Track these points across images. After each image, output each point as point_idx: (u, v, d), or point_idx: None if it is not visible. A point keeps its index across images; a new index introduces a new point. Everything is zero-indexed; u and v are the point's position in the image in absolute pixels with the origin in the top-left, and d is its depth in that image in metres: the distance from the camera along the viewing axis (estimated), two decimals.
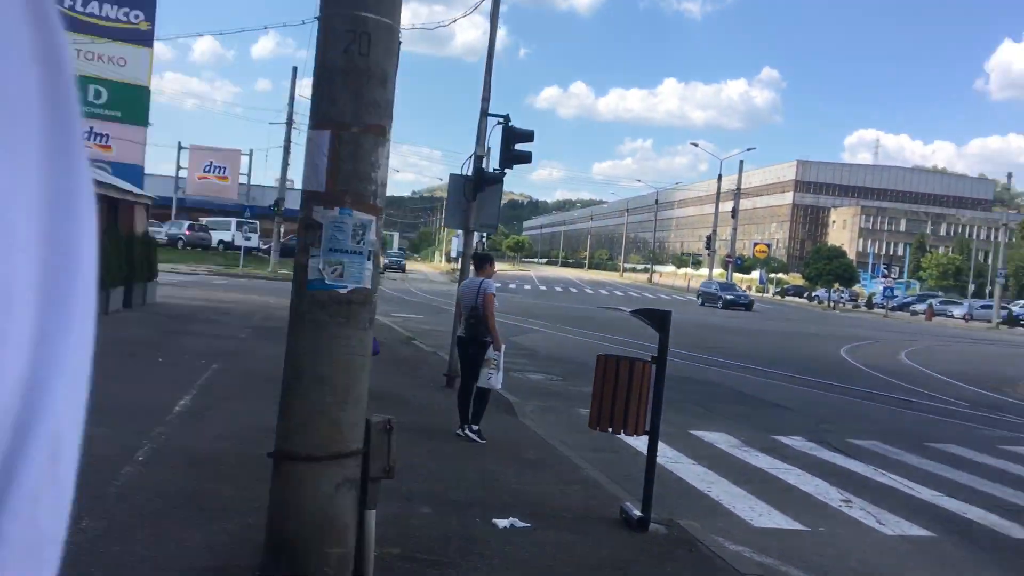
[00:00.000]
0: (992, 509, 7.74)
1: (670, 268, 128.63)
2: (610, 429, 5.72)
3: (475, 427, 8.38)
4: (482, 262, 8.74)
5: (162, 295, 20.32)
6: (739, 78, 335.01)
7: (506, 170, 11.22)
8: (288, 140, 43.04)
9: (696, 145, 65.71)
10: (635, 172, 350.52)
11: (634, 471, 7.86)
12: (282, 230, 44.27)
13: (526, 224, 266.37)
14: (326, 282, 4.03)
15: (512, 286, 57.68)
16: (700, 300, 53.55)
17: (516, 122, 11.11)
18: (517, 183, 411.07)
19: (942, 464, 9.69)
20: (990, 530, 7.13)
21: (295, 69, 48.95)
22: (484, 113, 11.41)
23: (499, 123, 11.16)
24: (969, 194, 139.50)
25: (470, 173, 11.25)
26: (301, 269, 4.09)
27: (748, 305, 51.00)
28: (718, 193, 65.21)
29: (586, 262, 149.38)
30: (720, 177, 65.37)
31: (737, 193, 62.27)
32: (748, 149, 64.98)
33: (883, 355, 25.69)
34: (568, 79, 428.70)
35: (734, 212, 61.57)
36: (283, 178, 44.27)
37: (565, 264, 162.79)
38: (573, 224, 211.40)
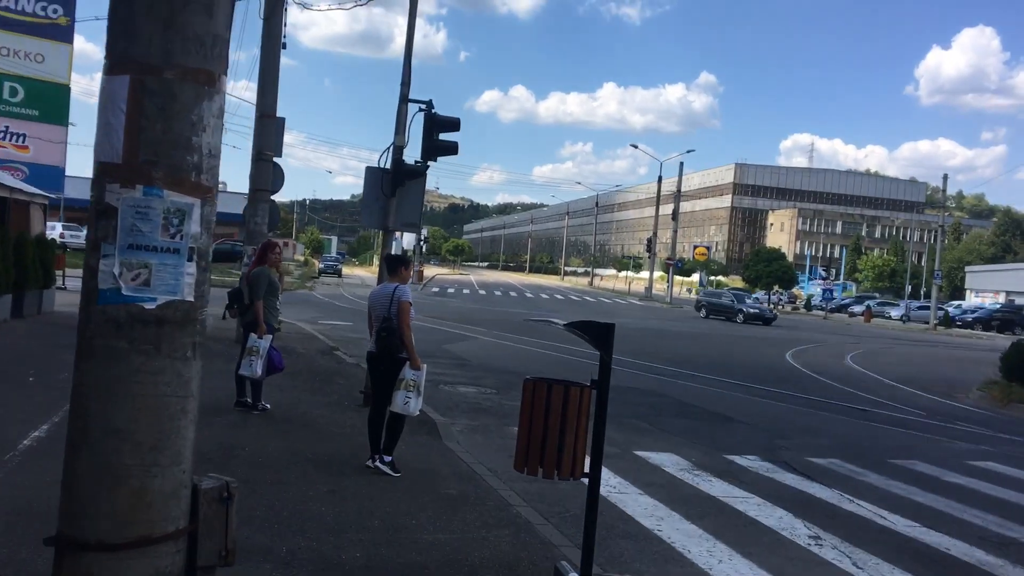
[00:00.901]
0: (976, 542, 6.79)
1: (611, 271, 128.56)
2: (540, 471, 4.58)
3: (388, 458, 7.16)
4: (395, 265, 7.52)
5: (67, 303, 18.62)
6: (677, 83, 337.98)
7: (429, 162, 10.03)
8: None
9: (636, 147, 65.15)
10: (575, 175, 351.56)
11: (573, 505, 6.77)
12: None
13: (467, 228, 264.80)
14: (123, 293, 2.81)
15: (451, 290, 56.39)
16: (703, 312, 46.56)
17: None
18: (458, 187, 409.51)
19: (911, 486, 8.77)
20: (980, 571, 6.17)
21: None
22: (404, 99, 10.18)
23: (421, 110, 9.96)
24: (902, 197, 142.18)
25: (388, 165, 10.03)
26: (90, 275, 2.86)
27: (771, 320, 44.24)
28: (658, 196, 64.76)
29: (527, 266, 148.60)
30: (660, 179, 64.94)
31: (677, 195, 61.89)
32: (688, 151, 64.59)
33: (828, 359, 25.10)
34: (509, 83, 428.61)
35: (674, 215, 61.15)
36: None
37: (506, 268, 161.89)
38: (514, 228, 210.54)
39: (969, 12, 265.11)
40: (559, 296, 60.16)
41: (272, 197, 16.46)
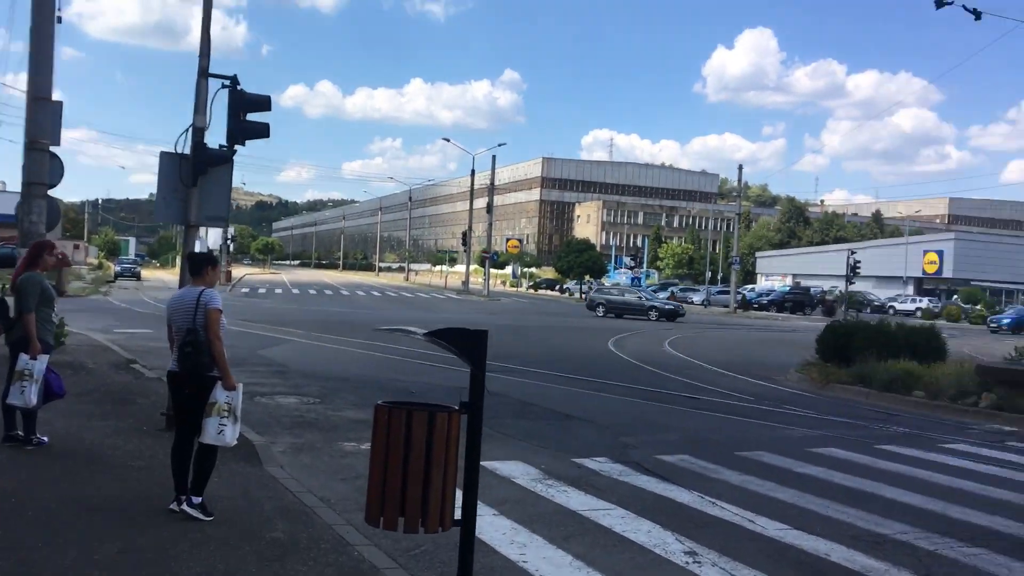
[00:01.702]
0: (851, 543, 6.43)
1: (426, 266, 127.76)
2: (401, 521, 3.63)
3: (197, 499, 5.93)
4: (200, 265, 6.26)
5: None
6: (483, 79, 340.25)
7: (236, 147, 8.73)
8: None
9: (448, 140, 65.02)
10: (386, 171, 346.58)
11: (426, 538, 5.81)
12: None
13: (276, 225, 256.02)
14: None
15: (262, 291, 53.65)
16: (601, 310, 43.55)
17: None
18: (265, 184, 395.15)
19: (767, 481, 8.44)
20: None
21: None
22: (204, 72, 8.79)
23: (224, 86, 8.64)
24: (697, 188, 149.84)
25: (187, 150, 8.65)
26: None
27: (679, 315, 42.66)
28: (472, 189, 64.58)
29: (340, 263, 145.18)
30: (473, 173, 64.76)
31: (491, 189, 61.90)
32: (499, 145, 64.64)
33: (649, 346, 25.41)
34: (314, 78, 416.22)
35: (489, 208, 61.14)
36: None
37: (319, 266, 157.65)
38: (325, 224, 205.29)
39: (749, 14, 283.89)
40: (376, 293, 58.69)
41: (52, 193, 14.34)
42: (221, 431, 5.83)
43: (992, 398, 13.56)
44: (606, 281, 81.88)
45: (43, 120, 13.93)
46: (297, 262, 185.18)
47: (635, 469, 8.75)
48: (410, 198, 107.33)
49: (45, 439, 7.80)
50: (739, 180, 62.48)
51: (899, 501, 7.84)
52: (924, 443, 11.10)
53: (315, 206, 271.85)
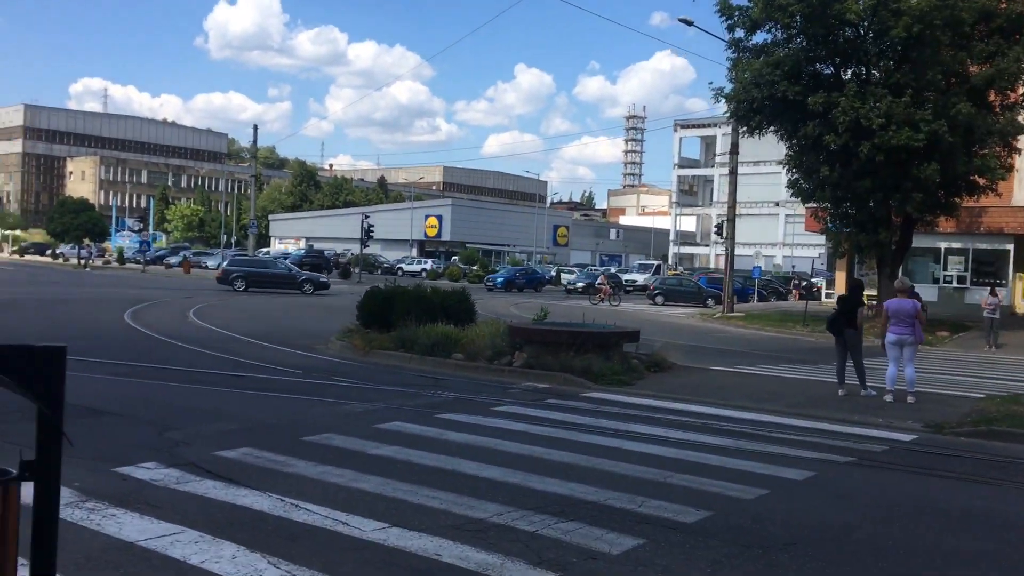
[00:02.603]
0: (455, 535, 5.99)
1: None
2: None
3: None
4: None
5: None
6: None
7: None
8: None
9: None
10: None
11: None
12: None
13: None
14: None
15: None
16: (240, 284, 38.27)
17: None
18: None
19: (346, 469, 7.72)
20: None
21: None
22: None
23: None
24: (206, 147, 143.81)
25: None
26: None
27: (326, 286, 40.42)
28: None
29: None
30: None
31: None
32: None
33: (172, 318, 23.23)
34: None
35: None
36: None
37: None
38: None
39: None
40: None
41: None
42: None
43: (523, 357, 14.47)
44: (110, 245, 74.48)
45: None
46: None
47: (194, 472, 7.44)
48: None
49: None
50: (254, 141, 60.80)
51: (482, 476, 7.66)
52: (478, 408, 11.31)
53: None
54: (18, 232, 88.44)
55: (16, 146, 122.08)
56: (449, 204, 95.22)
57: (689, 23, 33.26)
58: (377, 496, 6.94)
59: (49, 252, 71.41)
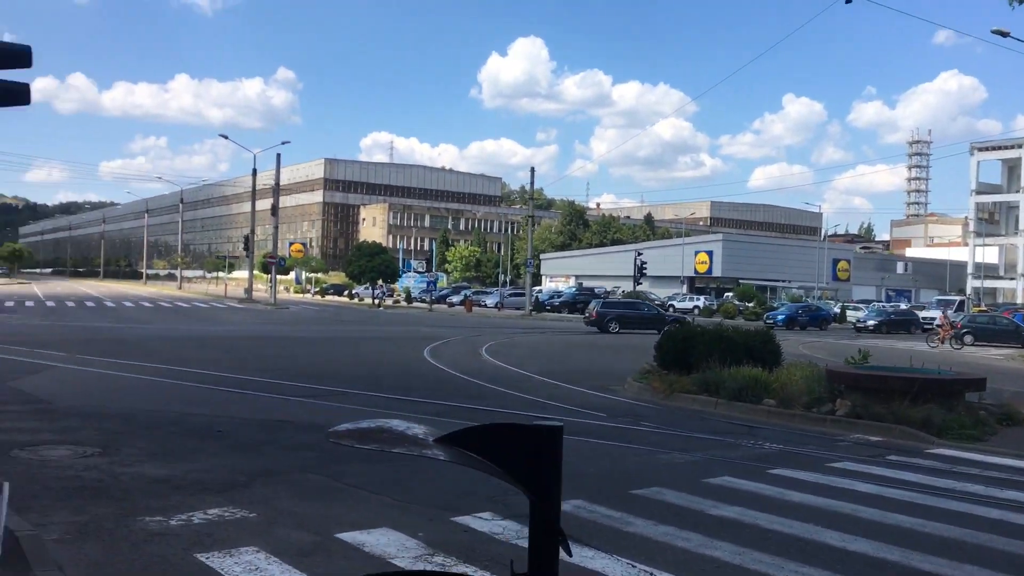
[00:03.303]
0: None
1: (199, 273, 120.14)
2: None
3: None
4: None
5: None
6: (255, 77, 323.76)
7: None
8: None
9: (226, 137, 60.69)
10: (150, 171, 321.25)
11: None
12: None
13: (23, 231, 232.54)
14: None
15: (9, 304, 47.12)
16: (614, 326, 38.13)
17: None
18: (9, 185, 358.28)
19: (690, 531, 7.02)
20: None
21: None
22: None
23: None
24: (480, 191, 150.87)
25: None
26: None
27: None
28: (253, 188, 60.55)
29: (101, 270, 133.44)
30: (255, 172, 60.85)
31: (276, 189, 58.15)
32: (283, 143, 61.00)
33: (467, 356, 23.88)
34: (65, 69, 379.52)
35: (274, 209, 57.39)
36: None
37: (76, 274, 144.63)
38: (82, 228, 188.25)
39: (521, 23, 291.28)
40: (146, 304, 53.45)
41: None
42: None
43: (847, 405, 13.10)
44: (397, 286, 79.82)
45: None
46: (50, 270, 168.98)
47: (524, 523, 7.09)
48: (181, 200, 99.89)
49: None
50: (531, 183, 62.71)
51: (851, 551, 6.67)
52: (810, 464, 10.20)
53: (69, 209, 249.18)
54: (319, 275, 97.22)
55: (317, 196, 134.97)
56: (720, 239, 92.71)
57: (1005, 34, 29.84)
58: (739, 569, 6.18)
59: (346, 292, 77.67)
